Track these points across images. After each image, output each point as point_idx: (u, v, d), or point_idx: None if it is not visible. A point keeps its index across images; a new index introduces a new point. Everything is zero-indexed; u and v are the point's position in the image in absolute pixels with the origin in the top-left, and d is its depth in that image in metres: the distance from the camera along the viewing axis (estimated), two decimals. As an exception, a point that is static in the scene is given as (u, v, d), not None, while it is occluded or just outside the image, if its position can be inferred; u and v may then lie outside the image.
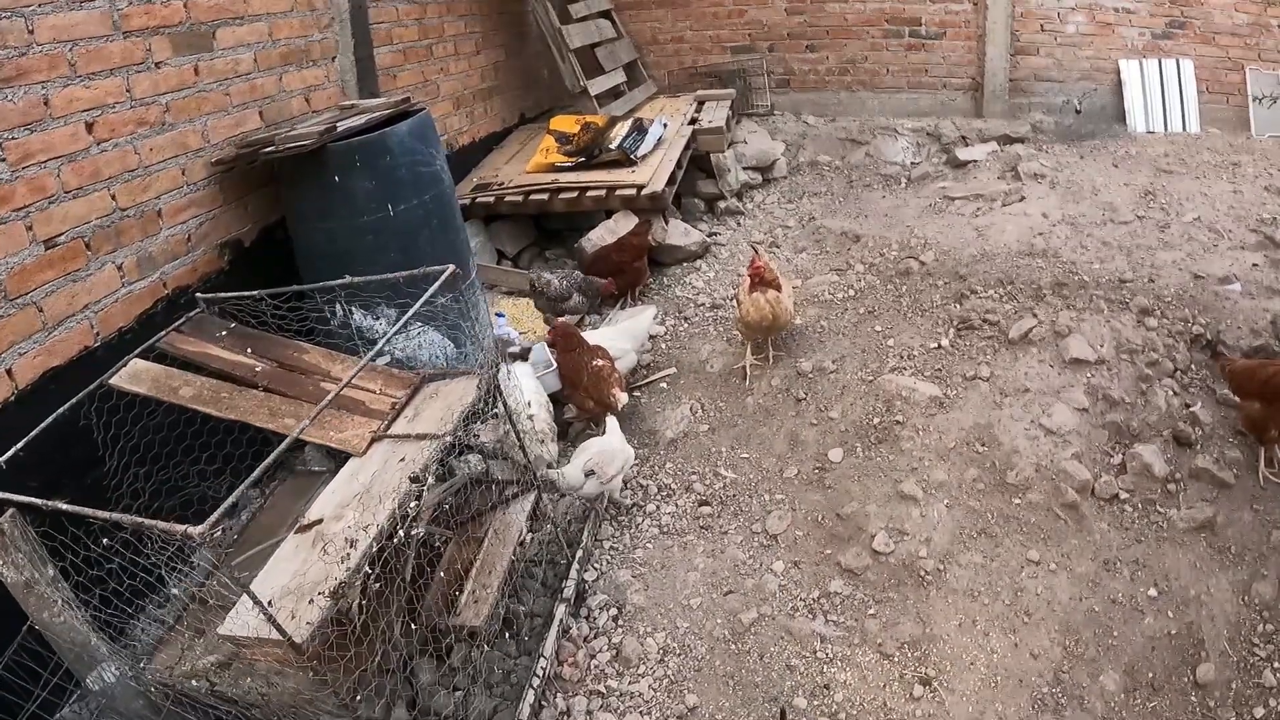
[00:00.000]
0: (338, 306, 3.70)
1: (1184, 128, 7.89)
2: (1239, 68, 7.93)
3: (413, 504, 2.37)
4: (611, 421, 3.88)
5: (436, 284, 2.76)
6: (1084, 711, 2.90)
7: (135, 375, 2.86)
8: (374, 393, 2.86)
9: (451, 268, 2.85)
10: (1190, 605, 3.21)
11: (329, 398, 2.35)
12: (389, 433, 2.68)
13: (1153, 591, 3.26)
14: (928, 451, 3.80)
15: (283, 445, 2.09)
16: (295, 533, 2.36)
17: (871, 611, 3.24)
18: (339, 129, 3.82)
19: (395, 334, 2.67)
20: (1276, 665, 3.07)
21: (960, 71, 8.19)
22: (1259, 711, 2.93)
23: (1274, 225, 5.57)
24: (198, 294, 3.31)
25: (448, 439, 2.59)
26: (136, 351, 2.94)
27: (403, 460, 2.53)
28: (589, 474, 3.58)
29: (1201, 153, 7.13)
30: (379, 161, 3.87)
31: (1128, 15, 7.89)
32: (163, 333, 3.03)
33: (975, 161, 7.04)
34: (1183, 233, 5.45)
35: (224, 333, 3.10)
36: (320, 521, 2.37)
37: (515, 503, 3.28)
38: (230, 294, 3.24)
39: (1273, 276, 4.89)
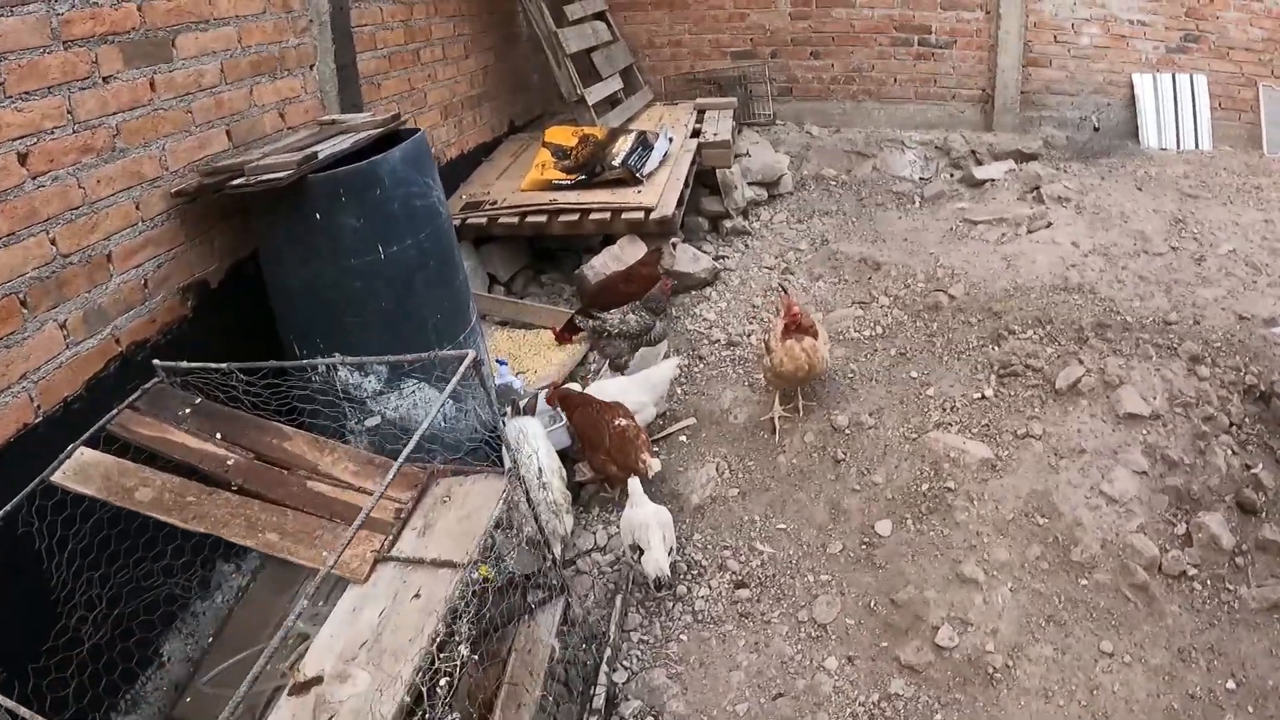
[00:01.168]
0: (318, 358, 3.35)
1: (1196, 145, 7.77)
2: (1252, 84, 7.82)
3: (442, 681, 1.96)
4: (634, 484, 3.52)
5: (457, 376, 2.41)
6: None
7: (82, 471, 2.43)
8: (373, 495, 2.46)
9: (471, 355, 2.48)
10: (1270, 698, 2.99)
11: (358, 521, 2.01)
12: (394, 552, 2.28)
13: (1230, 684, 3.03)
14: (984, 525, 3.54)
15: (290, 619, 1.75)
16: (289, 694, 1.95)
17: (938, 718, 2.96)
18: (320, 156, 3.35)
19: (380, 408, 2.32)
20: None
21: (970, 83, 7.96)
22: None
23: (1313, 259, 5.41)
24: (156, 361, 2.85)
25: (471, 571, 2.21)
26: (83, 438, 2.50)
27: (416, 596, 2.13)
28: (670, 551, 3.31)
29: (1220, 174, 7.00)
30: (368, 195, 3.39)
31: (1143, 28, 7.73)
32: (115, 410, 2.60)
33: (993, 180, 6.83)
34: (1220, 266, 5.27)
35: (187, 410, 2.67)
36: (320, 680, 1.96)
37: (542, 612, 2.85)
38: (195, 365, 2.80)
39: (1318, 318, 4.71)
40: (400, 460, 2.19)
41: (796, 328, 3.96)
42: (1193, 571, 3.37)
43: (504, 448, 2.70)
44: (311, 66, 4.32)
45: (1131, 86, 7.86)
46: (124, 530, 2.59)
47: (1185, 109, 7.84)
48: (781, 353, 3.94)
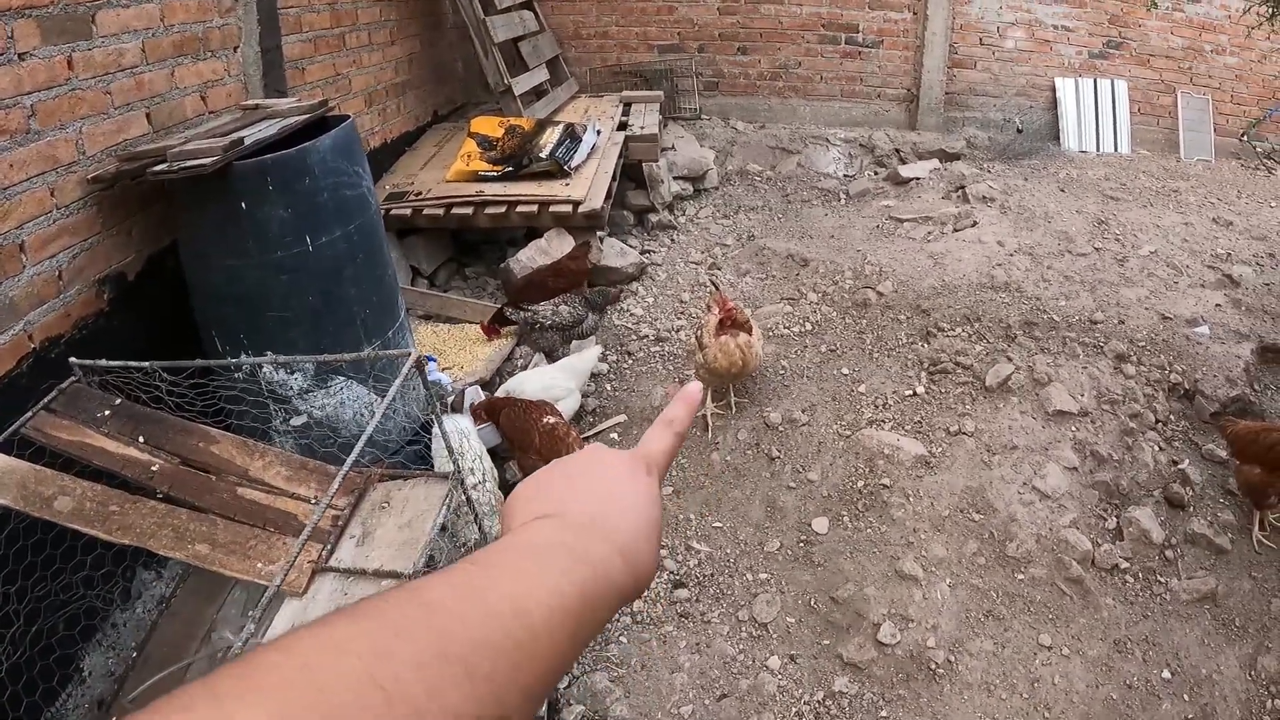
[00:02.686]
0: (242, 355, 3.23)
1: (1116, 148, 8.09)
2: (1171, 90, 8.21)
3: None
4: None
5: (401, 377, 2.35)
6: None
7: None
8: (308, 501, 2.34)
9: (414, 355, 2.42)
10: (1203, 685, 3.14)
11: (305, 534, 1.94)
12: (333, 562, 2.18)
13: (1166, 674, 3.16)
14: (921, 521, 3.61)
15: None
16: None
17: (884, 714, 3.01)
18: (247, 142, 3.20)
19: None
20: None
21: (895, 82, 8.15)
22: None
23: (1229, 262, 5.67)
24: (72, 359, 2.67)
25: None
26: None
27: (358, 609, 2.08)
28: None
29: (1139, 177, 7.29)
30: (297, 184, 3.24)
31: (1066, 33, 8.04)
32: (29, 413, 2.44)
33: (918, 179, 6.97)
34: (1142, 267, 5.48)
35: (107, 412, 2.52)
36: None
37: None
38: (115, 363, 2.65)
39: (1236, 319, 4.94)
40: (346, 466, 2.13)
41: (732, 324, 3.96)
42: (1125, 565, 3.49)
43: (446, 450, 2.63)
44: (236, 48, 4.18)
45: (1054, 90, 8.17)
46: (40, 541, 2.47)
47: (1106, 113, 8.17)
48: (716, 349, 3.93)
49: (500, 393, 4.04)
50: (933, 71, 8.01)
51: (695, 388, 0.82)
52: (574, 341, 4.74)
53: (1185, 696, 3.10)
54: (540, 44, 7.32)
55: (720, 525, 3.71)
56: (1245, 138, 7.87)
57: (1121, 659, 3.19)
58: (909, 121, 8.17)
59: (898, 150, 7.73)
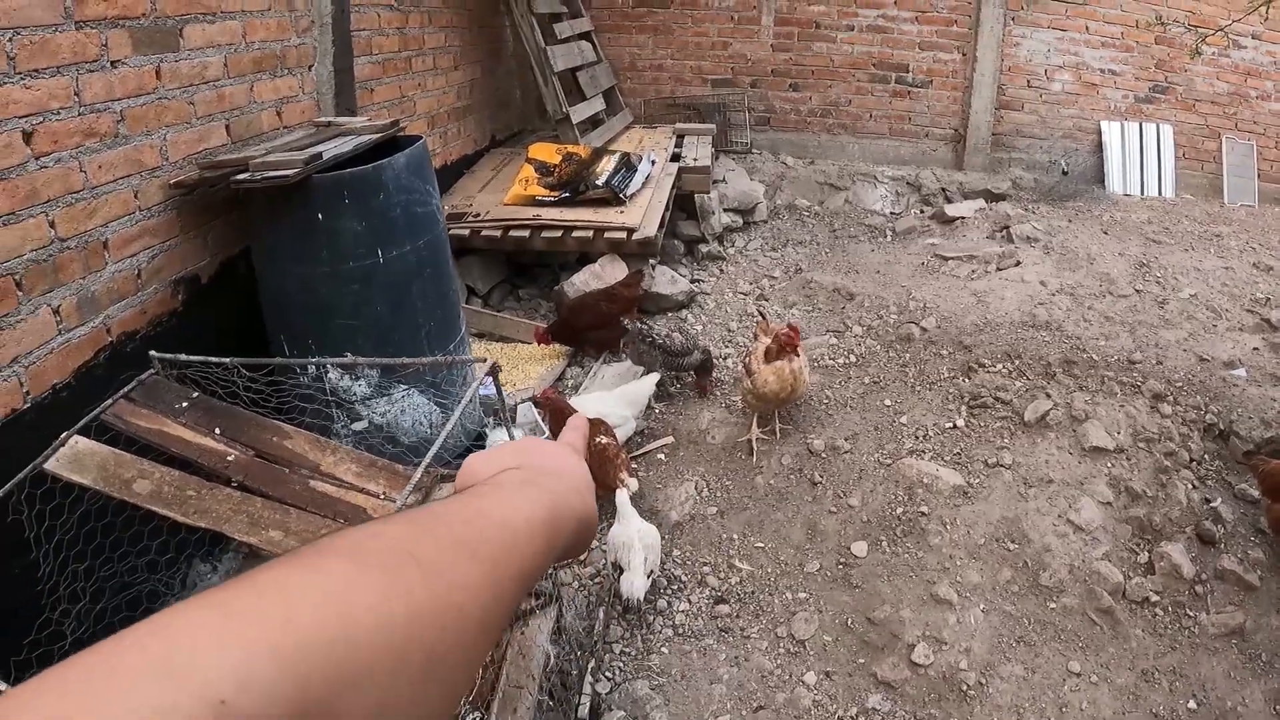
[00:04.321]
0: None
1: (1160, 192, 8.15)
2: (1216, 136, 8.28)
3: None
4: (622, 499, 3.61)
5: (477, 383, 2.52)
6: None
7: (77, 460, 2.38)
8: (377, 497, 2.46)
9: (491, 363, 2.60)
10: (1228, 717, 3.21)
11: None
12: None
13: (1192, 704, 3.24)
14: (957, 548, 3.73)
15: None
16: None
17: (915, 731, 3.13)
18: (325, 157, 3.40)
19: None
20: None
21: (943, 122, 8.29)
22: None
23: (1268, 306, 5.72)
24: (152, 352, 2.83)
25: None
26: (78, 425, 2.43)
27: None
28: (650, 575, 3.40)
29: (1182, 221, 7.35)
30: (372, 199, 3.44)
31: (1113, 77, 8.14)
32: (109, 400, 2.58)
33: (963, 218, 7.09)
34: (1181, 310, 5.56)
35: (184, 404, 2.66)
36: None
37: (535, 618, 2.90)
38: (195, 358, 2.81)
39: (1274, 362, 5.01)
40: (425, 461, 2.29)
41: (791, 348, 4.10)
42: (1155, 598, 3.58)
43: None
44: (310, 67, 4.40)
45: (1100, 133, 8.26)
46: (110, 524, 2.60)
47: (1151, 157, 8.24)
48: (769, 373, 4.07)
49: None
50: (980, 112, 8.15)
51: (581, 421, 0.99)
52: (622, 369, 4.89)
53: None
54: (597, 74, 7.54)
55: (762, 545, 3.85)
56: (1289, 184, 7.92)
57: (1149, 688, 3.28)
58: (956, 161, 8.31)
59: (944, 189, 7.86)
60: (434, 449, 2.31)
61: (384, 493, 2.49)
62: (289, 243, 3.45)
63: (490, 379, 4.49)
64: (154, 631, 0.43)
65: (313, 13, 4.39)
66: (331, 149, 3.55)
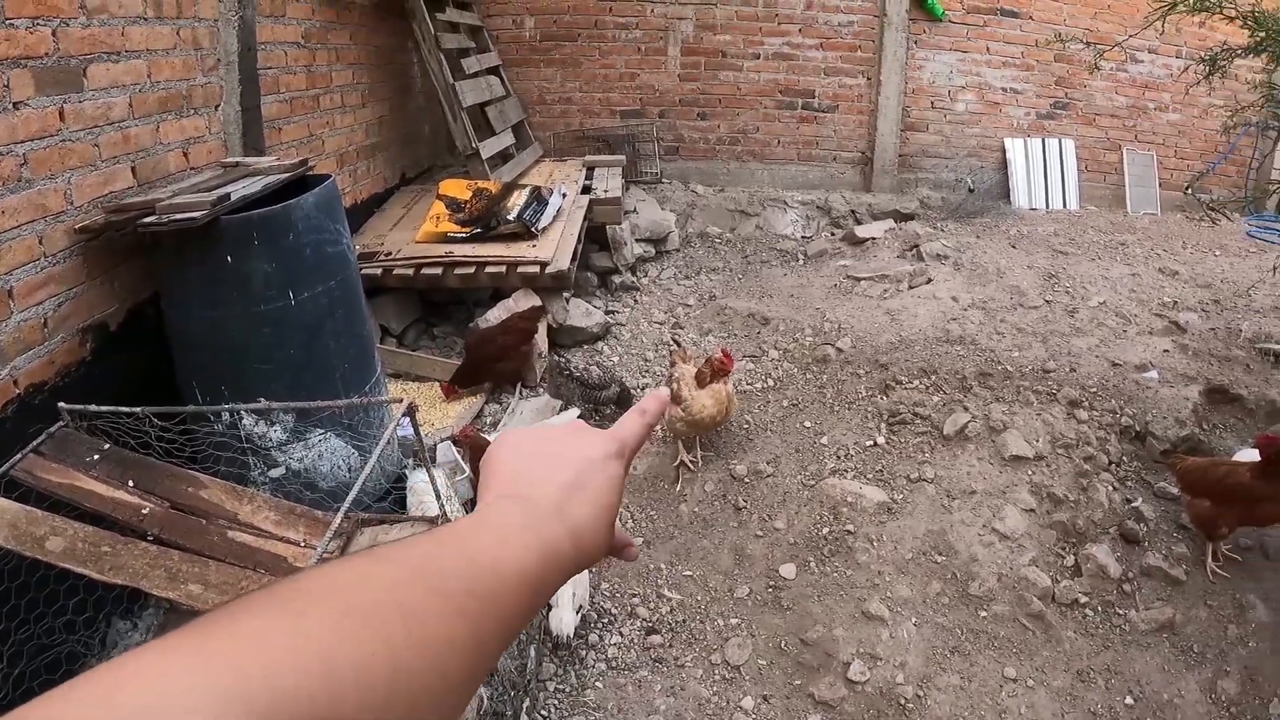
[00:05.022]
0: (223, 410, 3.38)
1: (1065, 205, 8.53)
2: (1117, 148, 8.74)
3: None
4: None
5: (393, 426, 2.56)
6: None
7: None
8: (298, 545, 2.47)
9: (407, 403, 2.64)
10: (1166, 710, 3.37)
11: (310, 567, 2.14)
12: None
13: (1129, 700, 3.39)
14: (886, 565, 3.84)
15: None
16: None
17: (855, 750, 3.21)
18: (233, 198, 3.38)
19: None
20: None
21: (851, 145, 8.57)
22: None
23: (1176, 309, 6.02)
24: (61, 404, 2.82)
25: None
26: None
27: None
28: (579, 611, 3.43)
29: (1088, 231, 7.69)
30: (281, 240, 3.43)
31: (1015, 95, 8.55)
32: (18, 455, 2.56)
33: (874, 239, 7.31)
34: (1092, 318, 5.81)
35: (96, 456, 2.65)
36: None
37: None
38: (104, 409, 2.80)
39: (1184, 363, 5.25)
40: (343, 509, 2.31)
41: (724, 372, 4.20)
42: (1084, 599, 3.74)
43: (435, 494, 2.81)
44: (217, 106, 4.38)
45: (1004, 150, 8.64)
46: (24, 584, 2.56)
47: (1055, 171, 8.64)
48: (706, 397, 4.16)
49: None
50: (886, 135, 8.44)
51: (664, 391, 0.97)
52: (540, 406, 4.94)
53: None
54: (506, 109, 7.62)
55: (690, 574, 3.91)
56: (1189, 191, 8.29)
57: (1085, 688, 3.42)
58: (864, 183, 8.58)
59: (853, 211, 8.11)
60: (352, 494, 2.33)
61: (304, 540, 2.50)
62: (198, 286, 3.42)
63: (408, 419, 4.53)
64: (121, 678, 0.43)
65: (219, 51, 4.38)
66: (240, 190, 3.54)
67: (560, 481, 0.78)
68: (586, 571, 3.62)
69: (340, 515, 2.32)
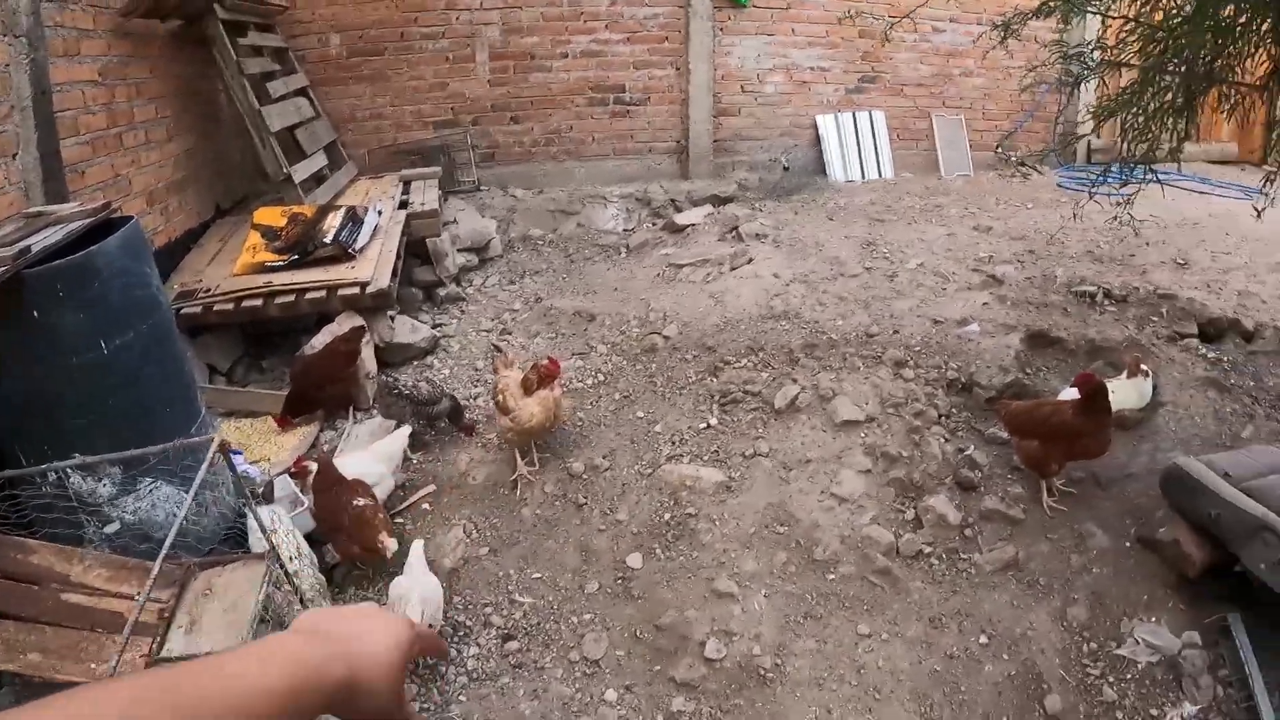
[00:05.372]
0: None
1: (880, 174, 8.86)
2: (926, 115, 9.17)
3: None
4: (415, 550, 3.67)
5: (206, 461, 2.46)
6: None
7: None
8: (132, 599, 2.41)
9: (216, 439, 2.54)
10: (1020, 644, 3.52)
11: (128, 629, 2.02)
12: (164, 653, 2.27)
13: (983, 639, 3.53)
14: (730, 542, 3.89)
15: None
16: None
17: (722, 725, 3.25)
18: (34, 250, 3.20)
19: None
20: (1111, 680, 3.43)
21: (665, 135, 8.69)
22: None
23: (992, 263, 6.30)
24: None
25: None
26: None
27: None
28: (431, 628, 3.35)
29: (903, 198, 7.99)
30: (88, 289, 3.29)
31: (823, 73, 8.85)
32: None
33: (694, 225, 7.40)
34: (911, 279, 6.03)
35: None
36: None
37: None
38: None
39: (1003, 313, 5.50)
40: (160, 559, 2.21)
41: (552, 378, 4.21)
42: (928, 549, 3.87)
43: (261, 531, 2.73)
44: (14, 156, 4.17)
45: (816, 127, 8.92)
46: None
47: (867, 143, 8.96)
48: (534, 404, 4.14)
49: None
50: (700, 122, 8.59)
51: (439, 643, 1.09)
52: (374, 427, 4.85)
53: (1005, 656, 3.47)
54: (317, 130, 7.44)
55: (539, 576, 3.89)
56: (999, 150, 8.73)
57: (939, 634, 3.54)
58: (681, 172, 8.71)
59: (673, 200, 8.23)
60: (168, 542, 2.23)
61: (139, 593, 2.42)
62: (7, 344, 3.24)
63: (240, 457, 4.39)
64: None
65: (11, 98, 4.16)
66: (40, 241, 3.35)
67: (352, 621, 0.89)
68: (440, 588, 3.60)
69: (157, 566, 2.21)
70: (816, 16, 8.72)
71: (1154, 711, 3.37)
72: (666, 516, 4.05)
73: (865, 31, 8.61)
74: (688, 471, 4.23)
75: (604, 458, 4.45)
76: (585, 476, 4.35)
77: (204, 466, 2.50)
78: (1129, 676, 3.47)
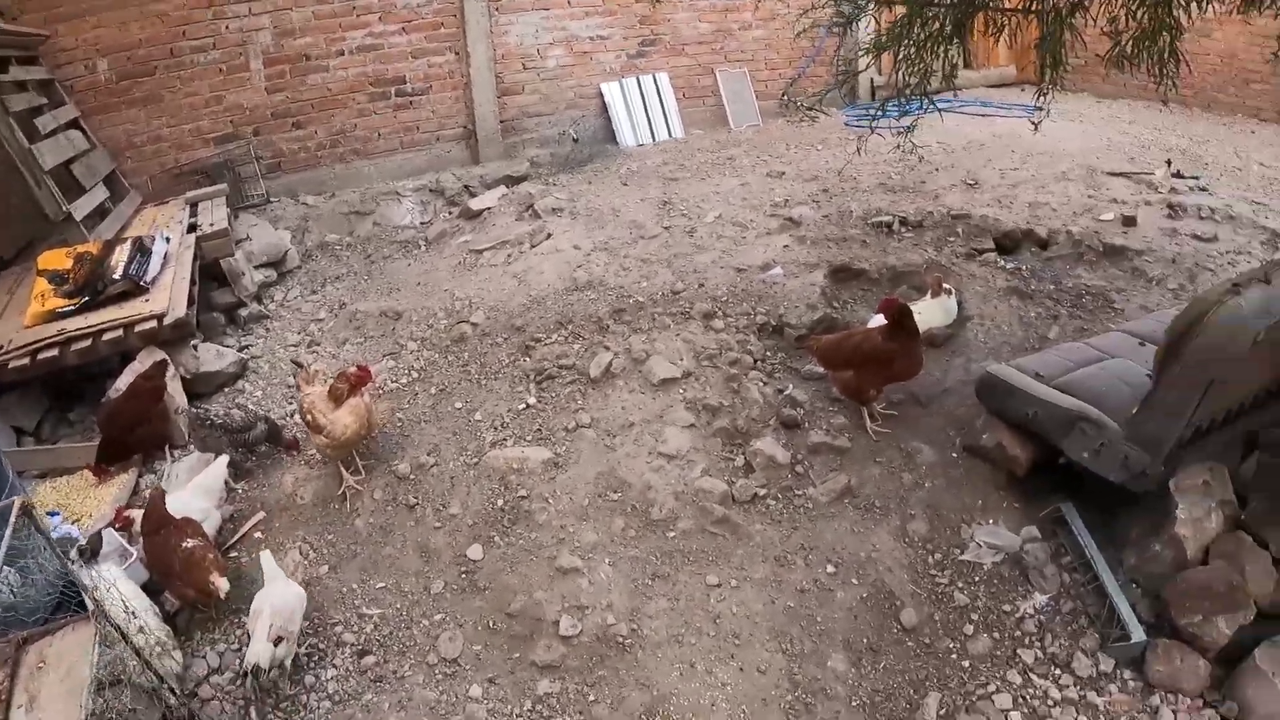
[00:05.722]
0: None
1: (670, 134, 8.95)
2: (710, 72, 9.34)
3: None
4: (266, 561, 3.57)
5: (9, 528, 2.26)
6: (831, 699, 3.20)
7: None
8: None
9: (18, 500, 2.35)
10: (866, 566, 3.65)
11: None
12: None
13: (830, 569, 3.64)
14: (566, 517, 3.88)
15: None
16: None
17: (592, 698, 3.25)
18: None
19: None
20: (960, 585, 3.60)
21: (451, 123, 8.51)
22: (968, 629, 3.46)
23: (788, 206, 6.45)
24: None
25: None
26: None
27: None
28: (278, 642, 3.24)
29: (695, 154, 8.10)
30: None
31: (603, 42, 8.84)
32: None
33: (490, 209, 7.31)
34: (711, 232, 6.11)
35: None
36: None
37: None
38: None
39: (804, 253, 5.64)
40: None
41: (363, 383, 4.13)
42: (763, 492, 3.95)
43: (82, 592, 2.54)
44: None
45: (602, 96, 8.90)
46: None
47: (654, 105, 9.03)
48: (346, 414, 4.03)
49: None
50: (484, 105, 8.45)
51: None
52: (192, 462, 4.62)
53: (854, 580, 3.60)
54: (94, 161, 6.99)
55: (383, 585, 3.79)
56: (785, 97, 8.91)
57: (787, 571, 3.63)
58: (472, 157, 8.57)
59: (467, 187, 8.09)
60: None
61: None
62: None
63: (57, 518, 4.11)
64: None
65: None
66: None
67: None
68: (296, 593, 3.51)
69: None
70: (587, -14, 8.71)
71: (1006, 607, 3.55)
72: (499, 503, 4.00)
73: (643, -6, 8.67)
74: (513, 454, 4.19)
75: (429, 454, 4.36)
76: (413, 477, 4.25)
77: (7, 533, 2.31)
78: (977, 579, 3.64)
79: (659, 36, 9.11)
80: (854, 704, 3.21)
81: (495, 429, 4.43)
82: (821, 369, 4.46)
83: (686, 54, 9.29)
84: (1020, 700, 3.22)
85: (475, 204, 7.46)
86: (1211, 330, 3.24)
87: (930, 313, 4.85)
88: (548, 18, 8.60)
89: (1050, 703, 3.21)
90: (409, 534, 3.99)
